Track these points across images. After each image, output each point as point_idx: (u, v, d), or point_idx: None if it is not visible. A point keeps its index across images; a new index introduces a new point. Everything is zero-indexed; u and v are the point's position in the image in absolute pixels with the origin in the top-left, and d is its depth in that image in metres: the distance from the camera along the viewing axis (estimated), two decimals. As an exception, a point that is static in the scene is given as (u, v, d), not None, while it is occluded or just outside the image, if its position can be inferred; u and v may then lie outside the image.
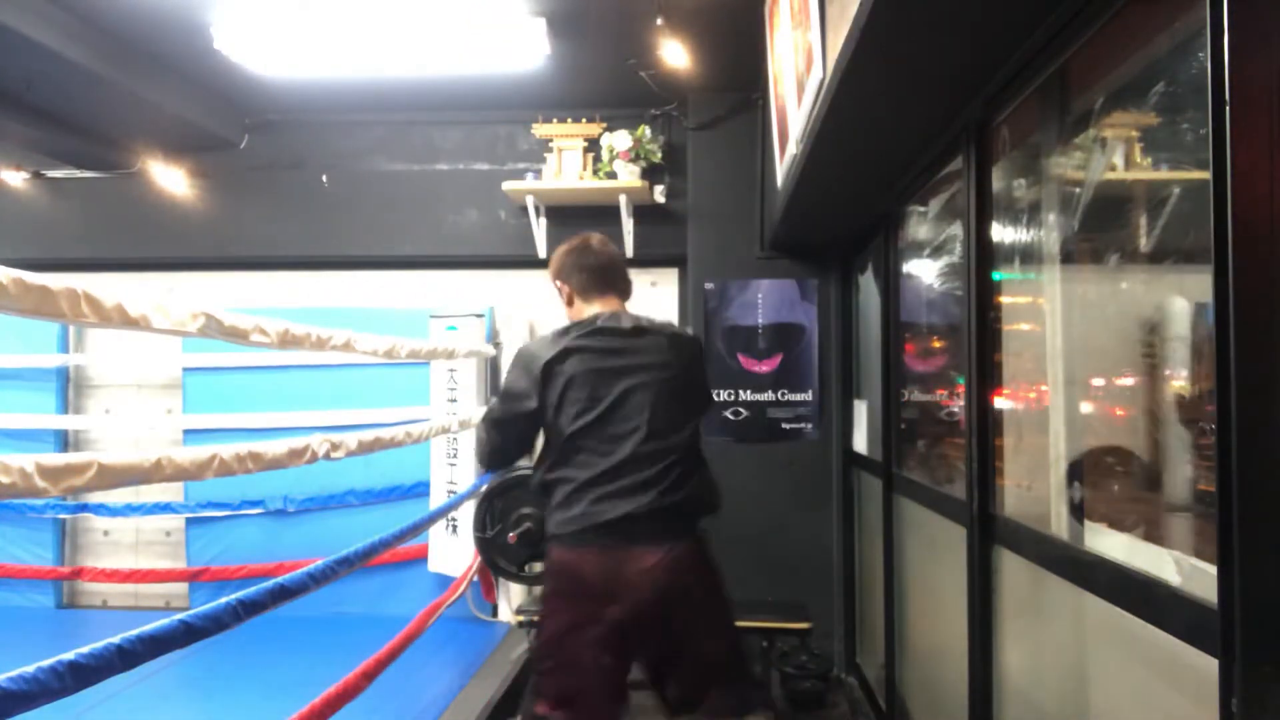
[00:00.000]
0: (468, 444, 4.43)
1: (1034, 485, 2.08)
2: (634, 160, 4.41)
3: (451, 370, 4.46)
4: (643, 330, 2.40)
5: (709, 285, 4.42)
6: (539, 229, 4.62)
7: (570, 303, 2.50)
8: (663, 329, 2.45)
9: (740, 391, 4.35)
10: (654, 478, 2.26)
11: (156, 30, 3.71)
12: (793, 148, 2.94)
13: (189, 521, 4.87)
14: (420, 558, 4.57)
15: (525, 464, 2.64)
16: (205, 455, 1.77)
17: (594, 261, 2.48)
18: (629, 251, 4.58)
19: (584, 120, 4.51)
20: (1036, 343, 2.10)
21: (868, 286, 4.00)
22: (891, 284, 3.37)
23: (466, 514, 3.96)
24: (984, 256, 2.23)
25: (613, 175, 4.42)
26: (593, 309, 2.44)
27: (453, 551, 4.45)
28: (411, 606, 3.73)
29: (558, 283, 2.51)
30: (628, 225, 4.54)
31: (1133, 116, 1.75)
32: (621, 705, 2.28)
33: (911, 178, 2.91)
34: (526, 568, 3.28)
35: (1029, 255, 2.18)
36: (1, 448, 4.66)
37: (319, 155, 4.83)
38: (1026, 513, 2.05)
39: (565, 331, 2.37)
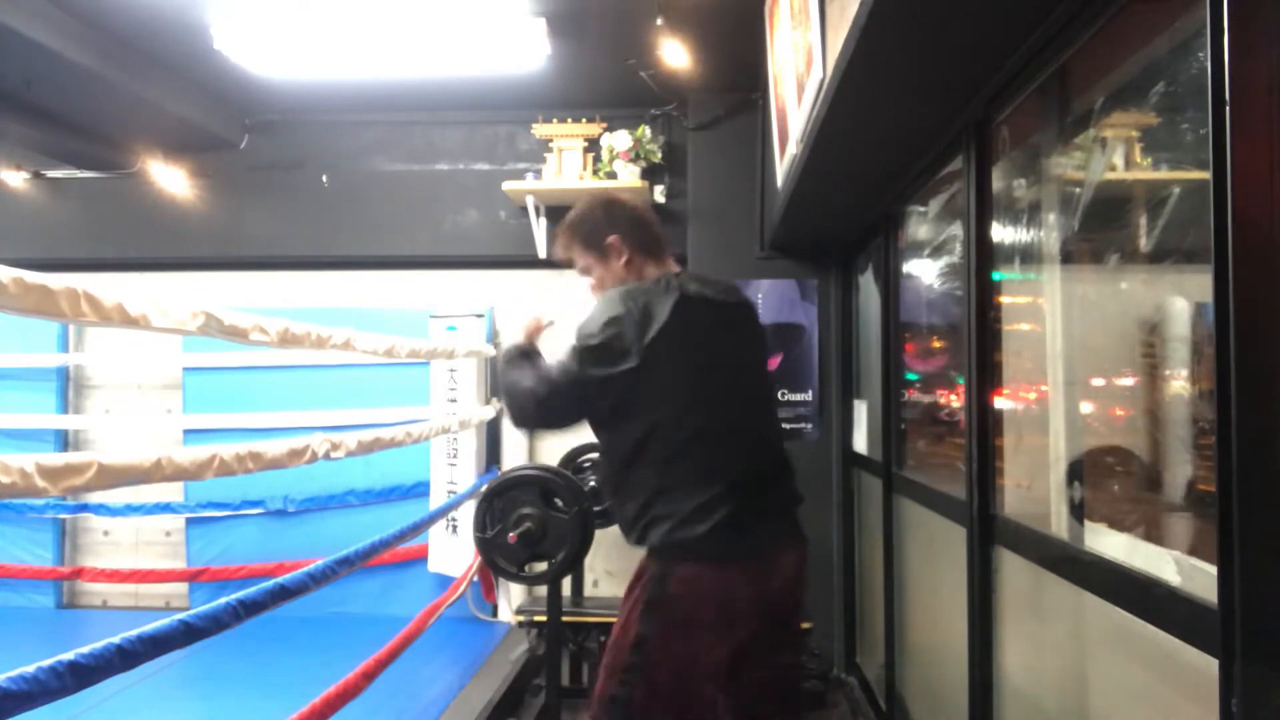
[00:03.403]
0: (468, 444, 4.43)
1: (1034, 485, 2.08)
2: (634, 160, 4.41)
3: (451, 370, 4.46)
4: (736, 297, 2.11)
5: (709, 285, 4.41)
6: (539, 229, 4.62)
7: (629, 264, 2.06)
8: (744, 298, 2.16)
9: (740, 391, 4.35)
10: (777, 466, 2.04)
11: (156, 30, 3.71)
12: (793, 148, 2.94)
13: (189, 521, 4.86)
14: (420, 558, 4.57)
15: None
16: (205, 455, 1.77)
17: (646, 216, 2.13)
18: (629, 251, 4.57)
19: (584, 120, 4.51)
20: (1036, 343, 2.10)
21: (868, 286, 4.00)
22: (891, 284, 3.37)
23: (466, 514, 3.96)
24: (984, 256, 2.23)
25: (613, 175, 4.42)
26: (664, 269, 2.08)
27: (453, 551, 4.45)
28: (411, 606, 3.73)
29: (611, 239, 2.06)
30: (628, 225, 4.53)
31: (1133, 116, 1.75)
32: None
33: (911, 178, 2.91)
34: (526, 568, 3.29)
35: (1029, 255, 2.18)
36: (1, 448, 4.66)
37: (319, 155, 4.83)
38: (1026, 513, 2.05)
39: (668, 283, 1.96)
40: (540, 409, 1.95)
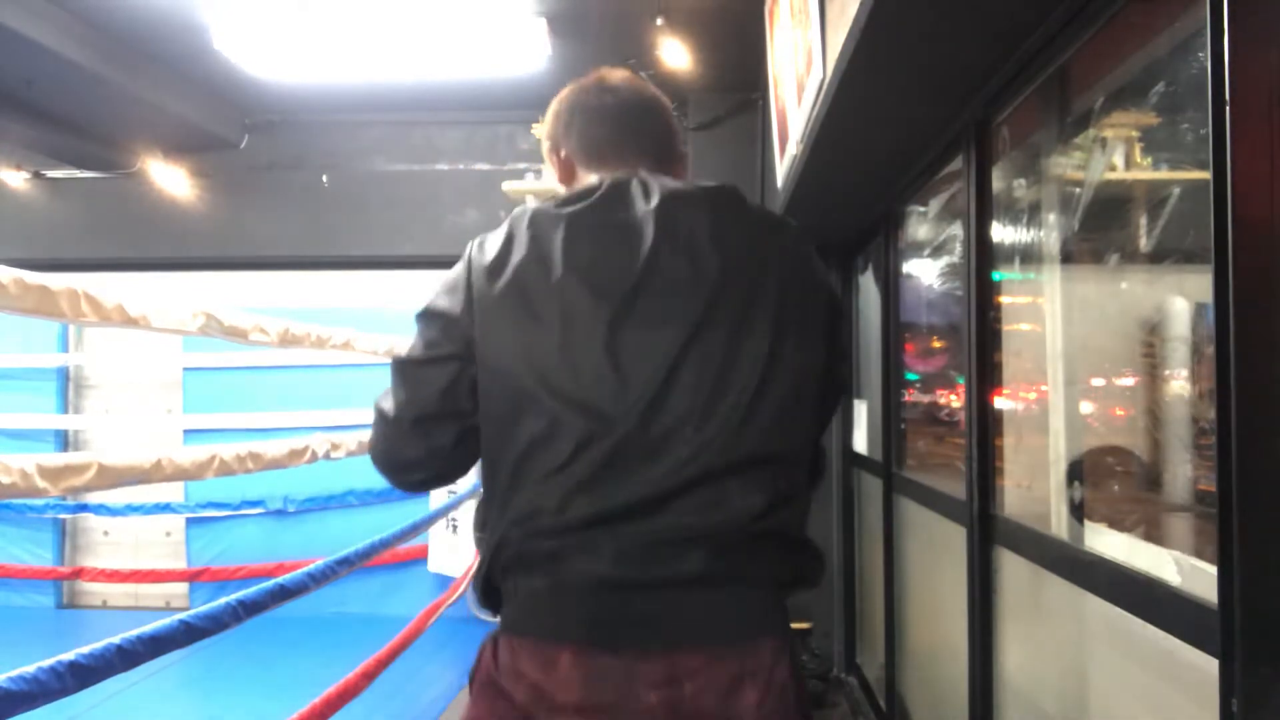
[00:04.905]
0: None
1: (1034, 485, 2.08)
2: (634, 160, 4.41)
3: (451, 370, 4.46)
4: (690, 201, 1.20)
5: (709, 285, 4.41)
6: (539, 229, 4.62)
7: (567, 177, 1.42)
8: (746, 209, 1.26)
9: (740, 391, 4.35)
10: (713, 514, 1.05)
11: (156, 30, 3.71)
12: (793, 148, 2.94)
13: (189, 521, 4.87)
14: (420, 558, 4.57)
15: None
16: (205, 455, 1.77)
17: (614, 101, 1.40)
18: (629, 251, 4.57)
19: (584, 120, 4.51)
20: (1036, 343, 2.10)
21: (868, 286, 4.00)
22: (891, 284, 3.37)
23: (466, 514, 3.96)
24: (984, 256, 2.23)
25: (613, 175, 4.42)
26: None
27: (453, 551, 4.45)
28: (411, 606, 3.73)
29: (548, 145, 1.46)
30: (628, 225, 4.54)
31: (1133, 116, 1.75)
32: None
33: (911, 178, 2.91)
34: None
35: (1029, 255, 2.18)
36: (1, 448, 4.66)
37: (319, 155, 4.84)
38: (1026, 513, 2.05)
39: (535, 215, 1.25)
40: (378, 435, 1.24)
